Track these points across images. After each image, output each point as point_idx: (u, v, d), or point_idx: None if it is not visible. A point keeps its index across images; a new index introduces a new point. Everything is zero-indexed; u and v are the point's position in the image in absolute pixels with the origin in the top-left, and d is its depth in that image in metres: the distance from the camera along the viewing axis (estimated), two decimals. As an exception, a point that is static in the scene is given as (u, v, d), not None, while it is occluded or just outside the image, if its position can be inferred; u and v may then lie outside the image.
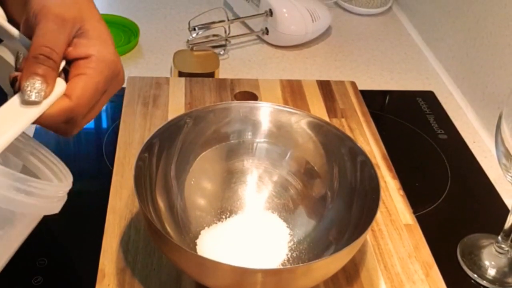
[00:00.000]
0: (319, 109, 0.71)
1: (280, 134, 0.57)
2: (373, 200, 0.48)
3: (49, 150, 0.39)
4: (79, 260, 0.53)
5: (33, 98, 0.34)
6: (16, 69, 0.37)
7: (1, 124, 0.34)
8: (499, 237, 0.56)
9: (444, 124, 0.76)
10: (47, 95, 0.35)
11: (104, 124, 0.71)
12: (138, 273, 0.49)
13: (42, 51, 0.35)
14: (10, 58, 0.39)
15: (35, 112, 0.35)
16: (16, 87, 0.35)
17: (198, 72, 0.77)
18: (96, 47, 0.37)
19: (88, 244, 0.53)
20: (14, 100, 0.35)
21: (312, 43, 0.91)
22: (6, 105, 0.35)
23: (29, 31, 0.37)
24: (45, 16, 0.36)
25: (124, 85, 0.71)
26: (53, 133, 0.69)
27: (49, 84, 0.35)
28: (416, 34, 0.97)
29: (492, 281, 0.55)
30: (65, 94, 0.36)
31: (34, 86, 0.34)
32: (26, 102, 0.34)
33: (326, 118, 0.69)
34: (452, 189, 0.66)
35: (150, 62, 0.84)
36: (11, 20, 0.40)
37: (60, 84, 0.36)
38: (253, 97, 0.72)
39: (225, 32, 0.86)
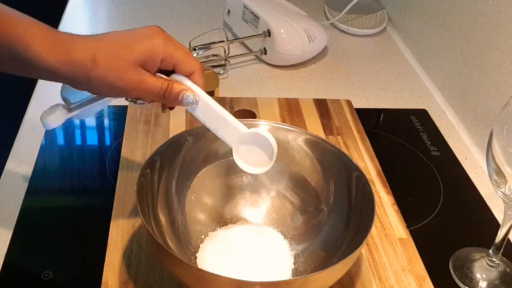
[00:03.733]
0: (315, 127, 0.72)
1: (278, 151, 0.56)
2: (368, 214, 0.49)
3: None
4: (83, 273, 0.53)
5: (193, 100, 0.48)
6: None
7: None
8: (490, 251, 0.56)
9: (437, 141, 0.77)
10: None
11: (107, 142, 0.73)
12: (140, 285, 0.50)
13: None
14: None
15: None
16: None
17: None
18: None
19: (92, 257, 0.54)
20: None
21: (309, 62, 0.93)
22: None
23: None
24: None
25: (126, 104, 0.73)
26: (57, 150, 0.71)
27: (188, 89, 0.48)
28: (410, 54, 0.98)
29: (484, 293, 0.56)
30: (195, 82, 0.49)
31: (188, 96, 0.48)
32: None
33: (323, 136, 0.70)
34: (444, 204, 0.66)
35: (151, 81, 0.85)
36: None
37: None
38: (252, 115, 0.74)
39: (225, 52, 0.88)
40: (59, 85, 0.83)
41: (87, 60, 0.44)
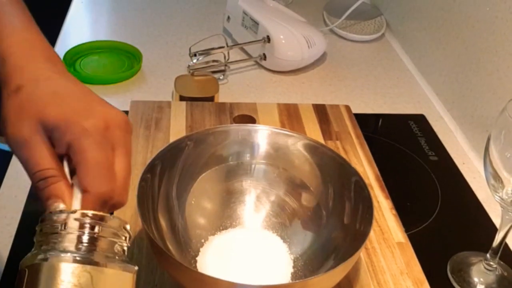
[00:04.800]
0: (314, 132, 0.73)
1: (277, 156, 0.58)
2: (367, 219, 0.49)
3: None
4: (84, 277, 0.54)
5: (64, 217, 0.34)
6: None
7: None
8: (488, 255, 0.57)
9: (435, 146, 0.77)
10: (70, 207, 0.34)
11: (108, 146, 0.73)
12: (141, 289, 0.50)
13: (35, 178, 0.34)
14: None
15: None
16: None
17: (198, 96, 0.78)
18: (69, 132, 0.34)
19: (93, 261, 0.54)
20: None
21: (308, 68, 0.93)
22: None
23: None
24: (14, 150, 0.35)
25: (128, 109, 0.73)
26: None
27: (64, 198, 0.34)
28: (408, 60, 0.98)
29: (481, 297, 0.56)
30: (83, 190, 0.35)
31: (58, 211, 0.34)
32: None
33: (322, 141, 0.71)
34: (442, 208, 0.67)
35: (152, 86, 0.85)
36: None
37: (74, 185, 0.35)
38: (252, 120, 0.74)
39: (225, 57, 0.88)
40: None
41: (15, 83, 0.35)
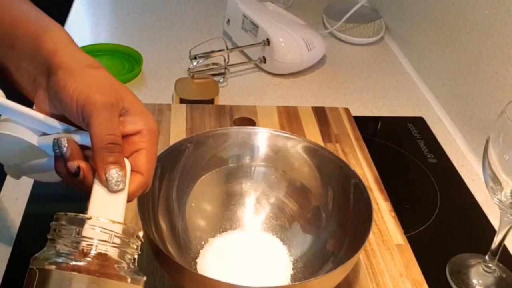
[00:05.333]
0: (314, 134, 0.73)
1: (277, 158, 0.58)
2: (366, 221, 0.50)
3: None
4: (85, 279, 0.54)
5: (120, 187, 0.36)
6: (55, 153, 0.38)
7: (105, 210, 0.36)
8: (486, 257, 0.57)
9: (434, 148, 0.78)
10: (125, 178, 0.37)
11: (108, 149, 0.73)
12: (141, 291, 0.51)
13: (108, 140, 0.37)
14: (25, 135, 0.40)
15: (124, 196, 0.37)
16: (83, 176, 0.37)
17: (198, 99, 0.78)
18: (143, 121, 0.39)
19: (93, 263, 0.54)
20: (99, 191, 0.37)
21: (307, 71, 0.93)
22: (95, 198, 0.36)
23: (66, 120, 0.39)
24: (94, 107, 0.37)
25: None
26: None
27: (123, 168, 0.37)
28: (407, 63, 0.99)
29: (480, 299, 0.56)
30: (135, 171, 0.38)
31: (114, 176, 0.36)
32: (113, 192, 0.36)
33: (321, 143, 0.71)
34: (441, 210, 0.67)
35: (152, 89, 0.86)
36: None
37: (126, 162, 0.38)
38: (251, 123, 0.74)
39: (225, 60, 0.88)
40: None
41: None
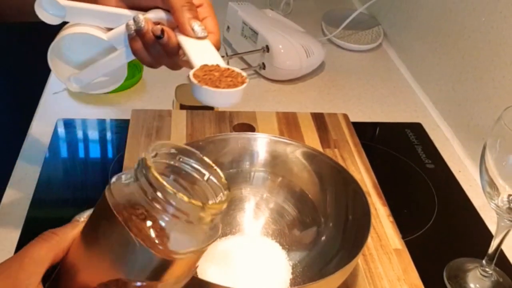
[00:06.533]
0: (313, 140, 0.73)
1: (276, 164, 0.59)
2: (364, 226, 0.50)
3: None
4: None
5: (205, 33, 0.45)
6: (134, 32, 0.45)
7: (205, 56, 0.44)
8: (484, 261, 0.57)
9: (431, 154, 0.78)
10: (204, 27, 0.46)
11: (110, 155, 0.74)
12: (142, 295, 0.51)
13: (187, 1, 0.45)
14: (95, 32, 0.47)
15: (209, 42, 0.45)
16: (167, 37, 0.44)
17: (198, 105, 0.78)
18: None
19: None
20: (190, 44, 0.44)
21: (306, 77, 0.94)
22: (191, 51, 0.44)
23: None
24: None
25: (129, 118, 0.74)
26: (61, 163, 0.72)
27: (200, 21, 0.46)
28: (405, 69, 0.99)
29: (477, 303, 0.57)
30: (210, 32, 0.47)
31: (198, 26, 0.45)
32: (200, 38, 0.45)
33: (320, 149, 0.71)
34: (439, 215, 0.67)
35: (153, 95, 0.86)
36: None
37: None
38: (251, 128, 0.75)
39: (224, 67, 0.89)
40: (61, 102, 0.84)
41: None
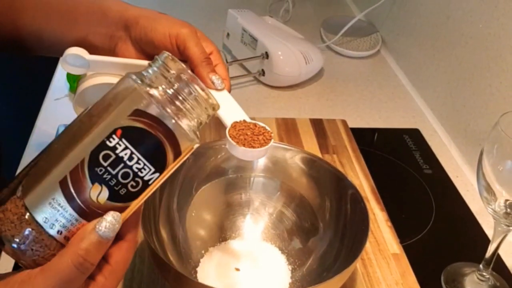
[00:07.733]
0: (312, 146, 0.74)
1: (276, 169, 0.59)
2: (363, 230, 0.51)
3: None
4: None
5: (222, 86, 0.47)
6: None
7: (232, 112, 0.48)
8: (481, 266, 0.58)
9: (429, 159, 0.78)
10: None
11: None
12: (142, 299, 0.51)
13: (204, 55, 0.47)
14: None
15: (227, 92, 0.48)
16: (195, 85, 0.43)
17: None
18: (210, 44, 0.50)
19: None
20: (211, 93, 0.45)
21: (305, 83, 0.94)
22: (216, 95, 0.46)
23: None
24: (185, 36, 0.47)
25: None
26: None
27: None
28: (403, 76, 1.00)
29: (475, 307, 0.57)
30: (224, 79, 0.49)
31: (216, 78, 0.47)
32: (218, 90, 0.47)
33: (319, 154, 0.72)
34: (436, 220, 0.68)
35: (153, 101, 0.87)
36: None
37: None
38: (250, 134, 0.75)
39: (224, 73, 0.90)
40: (62, 108, 0.84)
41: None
